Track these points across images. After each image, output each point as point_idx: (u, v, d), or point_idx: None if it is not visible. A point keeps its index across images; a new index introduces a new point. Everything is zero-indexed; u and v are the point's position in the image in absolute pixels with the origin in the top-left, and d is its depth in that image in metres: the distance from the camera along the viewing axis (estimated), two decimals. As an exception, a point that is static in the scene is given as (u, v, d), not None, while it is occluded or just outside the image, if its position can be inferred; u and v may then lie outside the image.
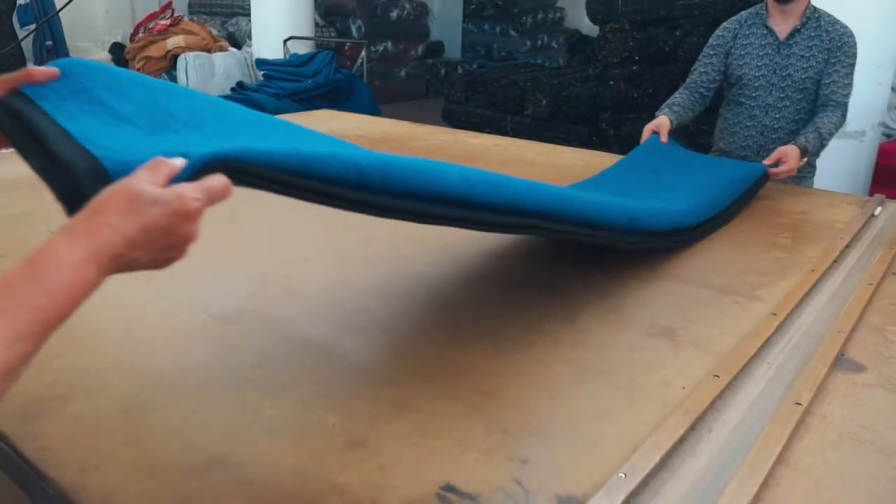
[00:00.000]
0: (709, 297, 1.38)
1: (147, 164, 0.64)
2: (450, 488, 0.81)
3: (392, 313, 1.27)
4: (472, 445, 0.90)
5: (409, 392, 1.01)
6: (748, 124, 2.38)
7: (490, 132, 4.24)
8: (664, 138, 2.20)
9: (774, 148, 2.14)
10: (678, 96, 2.39)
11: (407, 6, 10.59)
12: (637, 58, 5.46)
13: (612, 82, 5.60)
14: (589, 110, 5.78)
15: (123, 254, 0.59)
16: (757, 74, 2.32)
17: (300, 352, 1.13)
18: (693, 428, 0.94)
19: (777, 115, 2.33)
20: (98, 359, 1.09)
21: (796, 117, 2.31)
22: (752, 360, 1.13)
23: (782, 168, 2.05)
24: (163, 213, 0.60)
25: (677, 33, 5.24)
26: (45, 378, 1.03)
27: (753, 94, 2.34)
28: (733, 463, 0.87)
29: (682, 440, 0.91)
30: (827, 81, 2.24)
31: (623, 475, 0.82)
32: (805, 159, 2.16)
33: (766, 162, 2.10)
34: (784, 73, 2.28)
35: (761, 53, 2.31)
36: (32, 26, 5.20)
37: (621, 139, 5.48)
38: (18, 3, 5.13)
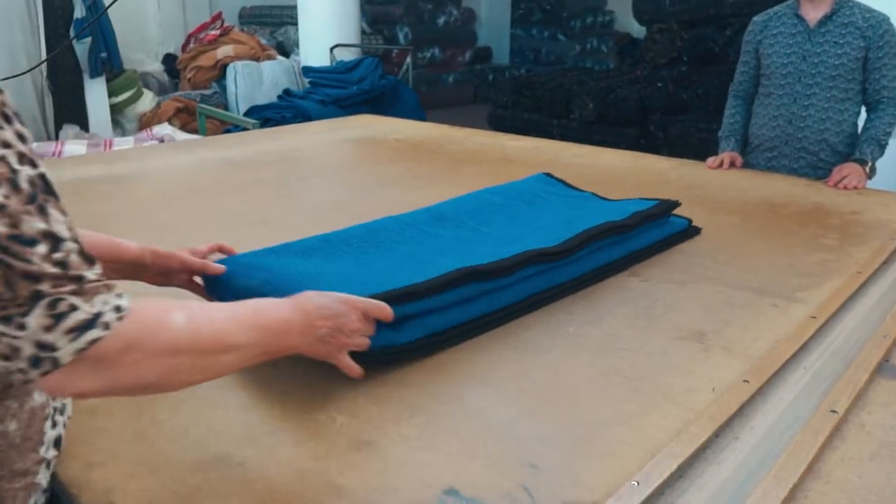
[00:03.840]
0: (745, 299, 1.32)
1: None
2: (452, 492, 0.78)
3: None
4: (480, 450, 0.86)
5: (420, 394, 0.99)
6: (776, 114, 2.31)
7: (536, 136, 4.20)
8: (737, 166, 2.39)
9: (803, 138, 2.08)
10: (734, 113, 2.45)
11: (454, 12, 10.61)
12: (686, 58, 5.34)
13: (660, 84, 5.49)
14: (637, 113, 5.68)
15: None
16: (785, 62, 2.25)
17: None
18: (718, 435, 0.89)
19: (805, 104, 2.25)
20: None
21: (825, 105, 2.23)
22: (787, 365, 1.07)
23: (849, 184, 2.03)
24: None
25: (727, 32, 5.11)
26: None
27: (781, 83, 2.28)
28: (759, 473, 0.82)
29: (704, 448, 0.86)
30: (875, 77, 2.16)
31: (636, 483, 0.78)
32: (869, 166, 2.10)
33: (828, 183, 2.07)
34: (815, 61, 2.21)
35: (790, 42, 2.25)
36: (88, 39, 5.36)
37: (670, 142, 5.37)
38: (75, 17, 5.30)
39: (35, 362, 0.61)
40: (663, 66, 5.54)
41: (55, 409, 0.79)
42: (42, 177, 0.61)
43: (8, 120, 0.59)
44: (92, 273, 0.64)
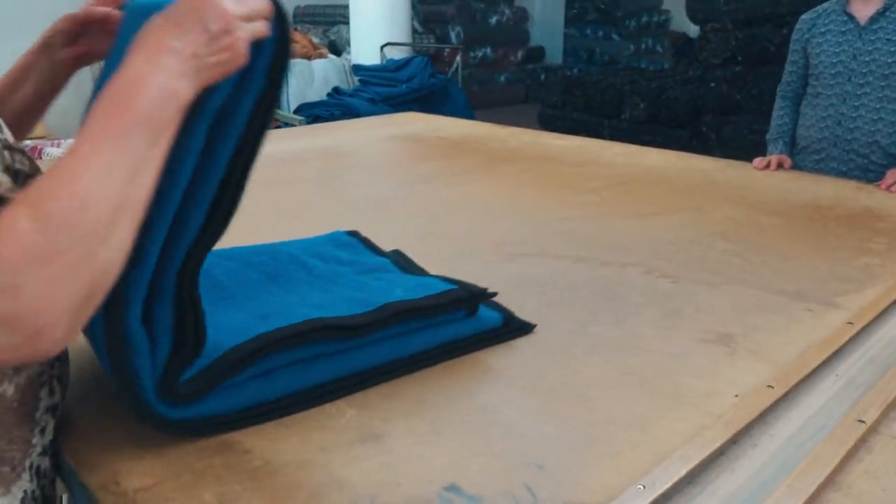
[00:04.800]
0: (779, 303, 1.27)
1: None
2: (454, 489, 0.77)
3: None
4: (486, 447, 0.85)
5: (432, 389, 0.98)
6: (824, 115, 2.23)
7: (586, 136, 4.15)
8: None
9: (853, 140, 2.00)
10: (782, 115, 2.38)
11: (507, 11, 10.58)
12: (740, 58, 5.21)
13: (713, 84, 5.37)
14: (689, 113, 5.57)
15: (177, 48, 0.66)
16: (834, 61, 2.17)
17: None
18: (735, 442, 0.86)
19: (856, 104, 2.17)
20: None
21: (877, 106, 2.14)
22: (817, 372, 1.02)
23: None
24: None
25: (784, 31, 4.95)
26: (84, 356, 1.06)
27: (830, 83, 2.20)
28: (774, 482, 0.79)
29: (719, 454, 0.83)
30: None
31: (642, 487, 0.75)
32: None
33: (881, 186, 2.00)
34: (866, 59, 2.13)
35: (840, 40, 2.17)
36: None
37: (723, 143, 5.25)
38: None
39: None
40: (717, 66, 5.41)
41: (52, 377, 0.80)
42: None
43: None
44: None
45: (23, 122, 0.98)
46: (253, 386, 0.88)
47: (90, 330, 0.87)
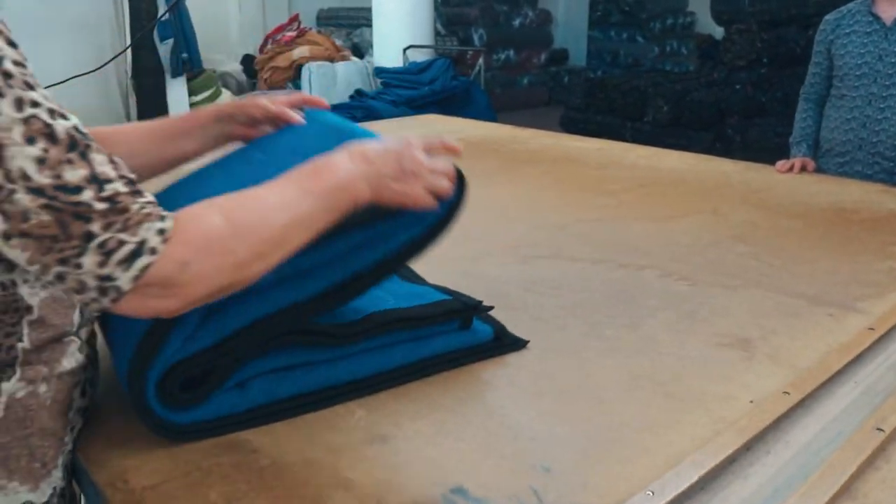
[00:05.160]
0: (798, 307, 1.25)
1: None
2: (459, 491, 0.76)
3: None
4: (495, 450, 0.84)
5: (442, 390, 0.97)
6: (848, 117, 2.19)
7: (609, 139, 4.12)
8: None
9: (878, 142, 1.96)
10: (805, 117, 2.33)
11: (530, 14, 10.54)
12: (765, 60, 5.14)
13: (738, 86, 5.30)
14: (713, 116, 5.51)
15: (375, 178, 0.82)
16: (859, 62, 2.13)
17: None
18: (749, 448, 0.84)
19: (882, 106, 2.12)
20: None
21: None
22: (836, 378, 1.00)
23: None
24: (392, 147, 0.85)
25: (810, 33, 4.88)
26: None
27: (855, 84, 2.16)
28: (788, 489, 0.77)
29: (732, 460, 0.82)
30: None
31: (651, 493, 0.74)
32: None
33: None
34: (893, 60, 2.09)
35: (865, 41, 2.12)
36: (170, 41, 5.57)
37: (747, 146, 5.18)
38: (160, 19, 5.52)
39: (102, 292, 0.66)
40: (741, 69, 5.35)
41: (86, 380, 0.83)
42: (76, 128, 0.66)
43: (31, 87, 0.64)
44: (138, 204, 0.68)
45: (163, 169, 1.06)
46: (229, 395, 0.88)
47: (111, 332, 0.89)
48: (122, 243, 0.65)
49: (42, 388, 0.77)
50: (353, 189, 0.79)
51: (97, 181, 0.65)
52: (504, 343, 1.09)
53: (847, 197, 1.97)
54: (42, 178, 0.62)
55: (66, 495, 0.82)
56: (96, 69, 3.16)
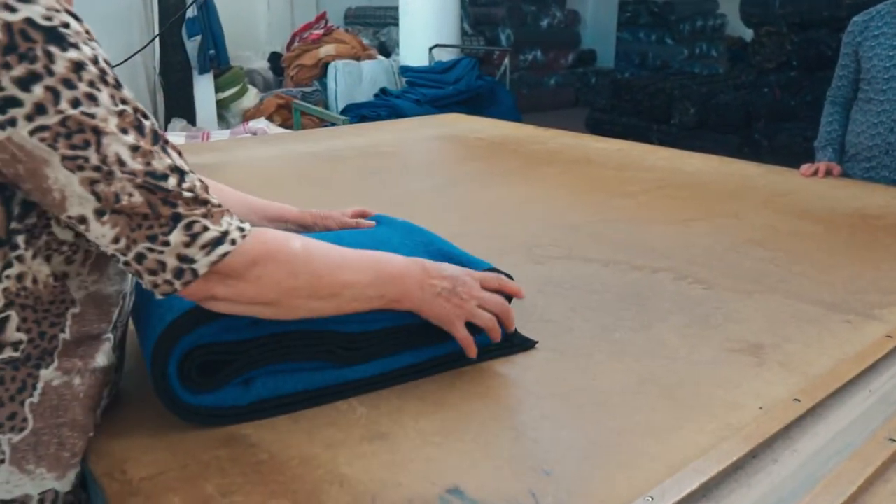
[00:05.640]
0: (815, 313, 1.22)
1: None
2: (456, 492, 0.75)
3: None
4: (496, 451, 0.83)
5: (446, 390, 0.96)
6: (875, 121, 2.14)
7: (634, 141, 4.08)
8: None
9: None
10: (831, 121, 2.28)
11: (558, 14, 10.50)
12: (795, 63, 5.05)
13: (766, 89, 5.22)
14: (740, 119, 5.43)
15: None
16: (888, 65, 2.08)
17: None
18: (755, 456, 0.83)
19: None
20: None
21: None
22: (849, 387, 0.98)
23: None
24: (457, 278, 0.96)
25: (841, 35, 4.80)
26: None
27: (883, 88, 2.11)
28: (793, 499, 0.75)
29: (736, 468, 0.80)
30: None
31: (650, 498, 0.73)
32: None
33: None
34: None
35: (894, 43, 2.07)
36: (198, 37, 5.63)
37: (775, 150, 5.10)
38: (187, 16, 5.57)
39: (178, 273, 0.73)
40: (771, 71, 5.27)
41: (113, 382, 0.86)
42: (154, 125, 0.74)
43: (120, 85, 0.71)
44: (215, 199, 0.75)
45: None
46: (233, 389, 0.88)
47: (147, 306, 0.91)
48: (206, 229, 0.73)
49: (77, 380, 0.79)
50: (403, 286, 0.90)
51: (179, 172, 0.72)
52: (513, 343, 1.08)
53: (872, 202, 1.93)
54: (135, 164, 0.69)
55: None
56: (121, 62, 3.20)
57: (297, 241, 0.81)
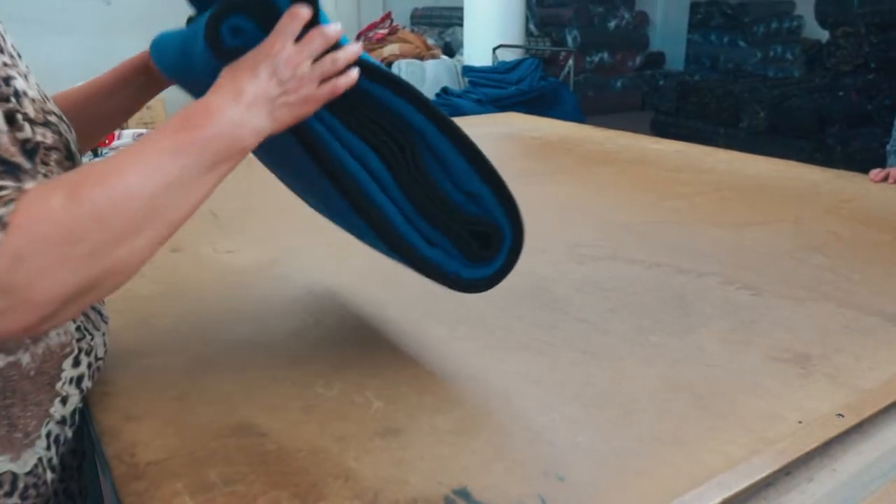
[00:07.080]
0: (872, 324, 1.14)
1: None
2: (462, 493, 0.72)
3: (490, 307, 1.19)
4: (509, 453, 0.80)
5: (466, 388, 0.94)
6: None
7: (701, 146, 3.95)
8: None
9: None
10: None
11: (626, 16, 10.31)
12: (873, 65, 4.82)
13: (841, 93, 5.00)
14: (813, 123, 5.21)
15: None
16: None
17: (383, 336, 1.09)
18: (788, 472, 0.77)
19: None
20: (189, 323, 1.13)
21: None
22: (902, 404, 0.90)
23: None
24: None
25: (925, 37, 4.55)
26: (137, 333, 1.08)
27: None
28: (826, 521, 0.69)
29: (766, 484, 0.75)
30: None
31: (666, 511, 0.68)
32: None
33: None
34: None
35: None
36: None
37: (849, 157, 4.87)
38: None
39: None
40: (847, 74, 5.03)
41: (80, 350, 0.82)
42: None
43: None
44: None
45: (104, 128, 1.01)
46: None
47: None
48: None
49: (25, 358, 0.75)
50: (236, 138, 0.67)
51: None
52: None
53: (947, 210, 1.80)
54: None
55: (55, 467, 0.81)
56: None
57: (58, 196, 0.58)
